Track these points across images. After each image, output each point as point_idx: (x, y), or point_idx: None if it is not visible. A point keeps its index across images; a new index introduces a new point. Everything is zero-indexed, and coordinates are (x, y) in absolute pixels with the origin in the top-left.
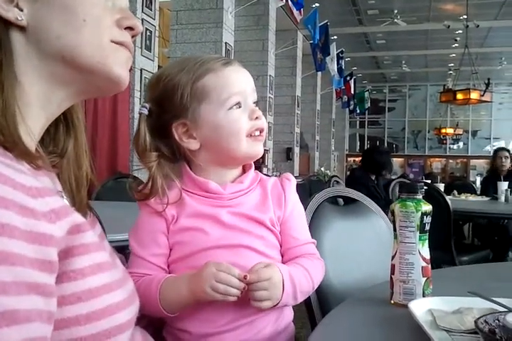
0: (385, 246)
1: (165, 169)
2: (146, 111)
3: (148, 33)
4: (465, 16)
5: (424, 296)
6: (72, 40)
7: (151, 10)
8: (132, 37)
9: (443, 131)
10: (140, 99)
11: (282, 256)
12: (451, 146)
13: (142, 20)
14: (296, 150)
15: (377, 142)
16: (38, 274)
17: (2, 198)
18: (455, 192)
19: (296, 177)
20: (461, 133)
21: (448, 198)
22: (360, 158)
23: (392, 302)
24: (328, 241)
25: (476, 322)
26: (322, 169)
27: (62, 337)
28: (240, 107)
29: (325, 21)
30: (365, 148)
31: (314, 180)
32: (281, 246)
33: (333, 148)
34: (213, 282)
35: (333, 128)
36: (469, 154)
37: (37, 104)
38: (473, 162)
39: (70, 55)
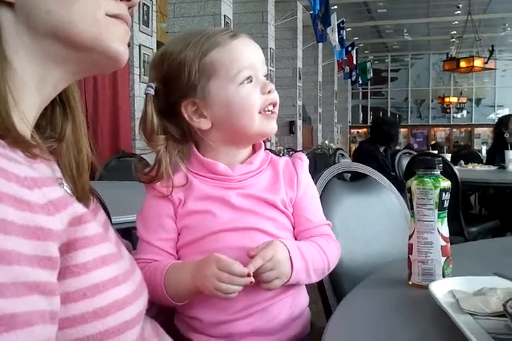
0: (396, 221)
1: (172, 152)
2: (152, 92)
3: (145, 8)
4: None
5: (444, 277)
6: (63, 15)
7: None
8: (129, 8)
9: (446, 99)
10: (140, 75)
11: (296, 239)
12: (455, 115)
13: None
14: (299, 123)
15: (381, 113)
16: (37, 272)
17: None
18: (462, 162)
19: (300, 151)
20: (464, 101)
21: (456, 168)
22: (364, 130)
23: (411, 283)
24: (338, 218)
25: (504, 305)
26: (326, 142)
27: (68, 336)
28: (251, 81)
29: None
30: (369, 119)
31: (319, 154)
32: (294, 229)
33: (335, 120)
34: (215, 282)
35: (336, 100)
36: (473, 122)
37: (31, 86)
38: (477, 130)
39: (63, 32)
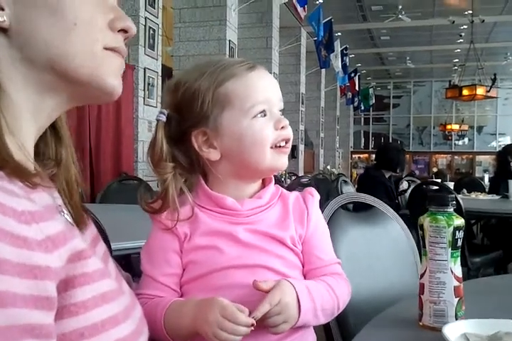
0: (402, 254)
1: (179, 182)
2: (164, 118)
3: (151, 32)
4: (470, 11)
5: (456, 319)
6: (61, 48)
7: (154, 8)
8: (125, 39)
9: (448, 127)
10: (144, 98)
11: (305, 277)
12: (457, 142)
13: (145, 18)
14: (301, 147)
15: (383, 138)
16: (33, 314)
17: None
18: (464, 190)
19: (301, 176)
20: (466, 129)
21: (459, 198)
22: (365, 155)
23: (421, 324)
24: (344, 250)
25: None
26: (328, 167)
27: None
28: (264, 115)
29: (329, 18)
30: (370, 144)
31: (320, 179)
32: (303, 266)
33: (337, 145)
34: (216, 329)
35: (338, 125)
36: (475, 150)
37: (27, 114)
38: (478, 158)
39: (60, 66)
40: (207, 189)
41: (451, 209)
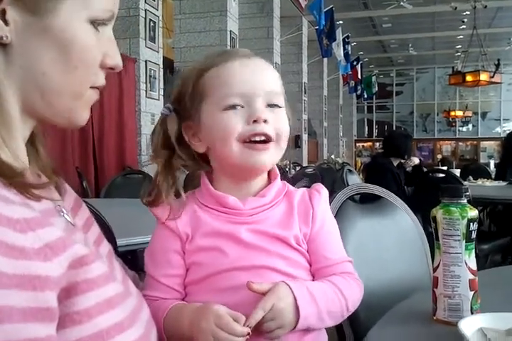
0: (412, 244)
1: (173, 173)
2: (166, 112)
3: (151, 24)
4: None
5: (472, 312)
6: (56, 83)
7: (153, 0)
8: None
9: (452, 113)
10: (146, 91)
11: (313, 277)
12: (461, 129)
13: (145, 10)
14: (305, 137)
15: (386, 126)
16: (32, 327)
17: None
18: (470, 177)
19: (306, 166)
20: (470, 115)
21: (466, 185)
22: (369, 143)
23: (435, 318)
24: (353, 242)
25: None
26: (332, 156)
27: None
28: (236, 108)
29: (330, 6)
30: (374, 132)
31: (325, 168)
32: (311, 266)
33: (341, 134)
34: (210, 338)
35: (341, 114)
36: (479, 136)
37: (19, 122)
38: (483, 144)
39: (49, 96)
40: (209, 187)
41: (464, 201)
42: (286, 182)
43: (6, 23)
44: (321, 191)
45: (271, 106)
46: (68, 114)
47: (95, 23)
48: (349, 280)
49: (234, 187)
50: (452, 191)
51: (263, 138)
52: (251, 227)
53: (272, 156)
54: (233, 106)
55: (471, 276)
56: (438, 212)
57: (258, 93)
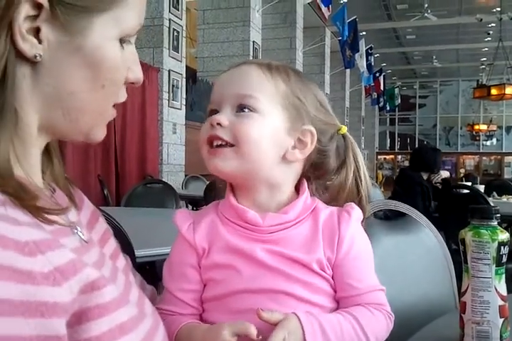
0: (436, 263)
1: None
2: None
3: (175, 34)
4: (498, 9)
5: None
6: (82, 102)
7: (178, 10)
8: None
9: (476, 127)
10: (168, 100)
11: (338, 304)
12: (485, 143)
13: (169, 20)
14: None
15: (408, 139)
16: None
17: None
18: (495, 193)
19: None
20: (494, 129)
21: (491, 201)
22: (391, 156)
23: None
24: (376, 260)
25: None
26: None
27: None
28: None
29: (353, 17)
30: (396, 145)
31: None
32: (335, 292)
33: (362, 146)
34: None
35: (363, 126)
36: (503, 151)
37: (33, 139)
38: (507, 159)
39: (72, 115)
40: (231, 199)
41: (495, 223)
42: (316, 198)
43: (39, 41)
44: (352, 212)
45: (239, 110)
46: (88, 131)
47: (122, 41)
48: (375, 313)
49: (251, 200)
50: (482, 212)
51: (220, 142)
52: (268, 247)
53: (230, 163)
54: (211, 113)
55: (501, 302)
56: (467, 234)
57: (226, 98)
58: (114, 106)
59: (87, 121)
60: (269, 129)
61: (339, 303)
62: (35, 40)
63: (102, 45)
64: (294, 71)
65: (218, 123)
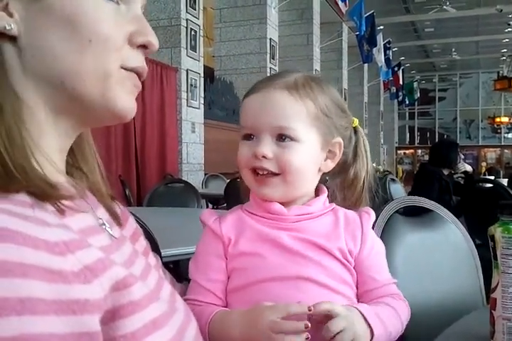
0: (463, 260)
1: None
2: None
3: (192, 33)
4: None
5: None
6: (73, 64)
7: (194, 9)
8: (146, 55)
9: (497, 119)
10: (187, 100)
11: (358, 297)
12: (506, 135)
13: (187, 20)
14: None
15: (428, 133)
16: None
17: (20, 264)
18: None
19: None
20: None
21: None
22: (411, 151)
23: None
24: (401, 257)
25: None
26: (374, 165)
27: None
28: (249, 140)
29: (371, 11)
30: (416, 139)
31: None
32: (357, 288)
33: (382, 141)
34: (272, 335)
35: (382, 121)
36: None
37: (48, 126)
38: None
39: (70, 83)
40: (256, 197)
41: None
42: (334, 203)
43: (10, 15)
44: (371, 213)
45: (279, 139)
46: (101, 100)
47: None
48: (399, 301)
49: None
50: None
51: (266, 172)
52: (294, 234)
53: (277, 190)
54: (246, 137)
55: None
56: (496, 230)
57: (263, 127)
58: (131, 71)
59: (90, 86)
60: (309, 154)
61: (361, 298)
62: (3, 13)
63: None
64: (313, 81)
65: (264, 156)
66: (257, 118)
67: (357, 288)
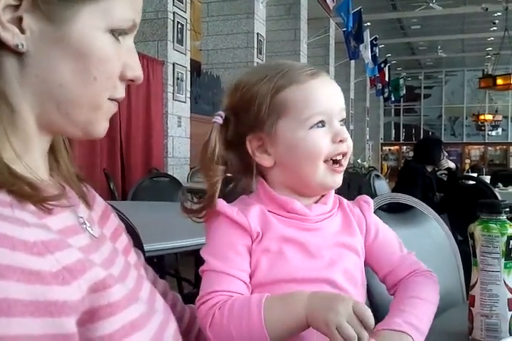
0: (445, 257)
1: (223, 185)
2: (220, 121)
3: (179, 26)
4: None
5: (510, 334)
6: (74, 96)
7: (182, 3)
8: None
9: (481, 117)
10: (173, 93)
11: (382, 281)
12: (490, 133)
13: (173, 13)
14: None
15: (413, 130)
16: None
17: None
18: (500, 184)
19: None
20: (500, 119)
21: (497, 192)
22: (396, 147)
23: (472, 338)
24: None
25: None
26: (359, 161)
27: None
28: (323, 126)
29: (358, 8)
30: (401, 136)
31: (351, 173)
32: (377, 273)
33: (367, 137)
34: (344, 322)
35: (368, 117)
36: (509, 140)
37: (35, 133)
38: None
39: (65, 109)
40: (272, 192)
41: (504, 217)
42: (337, 194)
43: (22, 31)
44: (369, 201)
45: (342, 121)
46: (85, 126)
47: (115, 33)
48: (430, 281)
49: (295, 198)
50: (491, 207)
51: (341, 156)
52: (318, 234)
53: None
54: (319, 124)
55: (510, 295)
56: (476, 229)
57: (336, 111)
58: (114, 100)
59: (83, 115)
60: None
61: (386, 281)
62: (16, 30)
63: (89, 35)
64: None
65: (342, 140)
66: (331, 103)
67: (377, 273)
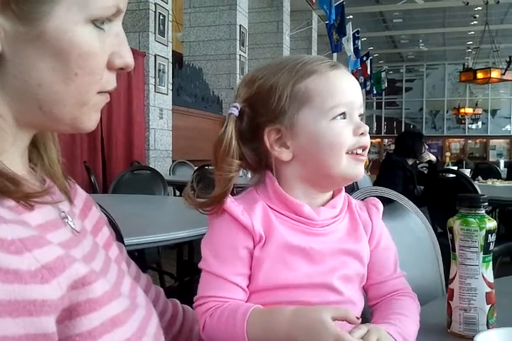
0: (424, 250)
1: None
2: (236, 112)
3: (161, 18)
4: None
5: (488, 326)
6: (55, 94)
7: None
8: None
9: (462, 110)
10: (155, 85)
11: (365, 290)
12: (470, 126)
13: (155, 4)
14: None
15: (395, 123)
16: None
17: None
18: (480, 177)
19: None
20: (480, 112)
21: (476, 185)
22: (378, 140)
23: (450, 331)
24: None
25: None
26: None
27: None
28: (344, 118)
29: (341, 0)
30: (383, 129)
31: None
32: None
33: None
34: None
35: None
36: (489, 134)
37: (13, 130)
38: (492, 142)
39: (48, 107)
40: (283, 193)
41: (483, 211)
42: (347, 193)
43: None
44: (379, 206)
45: (360, 116)
46: (73, 122)
47: (97, 22)
48: (414, 303)
49: (308, 196)
50: (470, 201)
51: (361, 150)
52: (323, 239)
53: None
54: (342, 116)
55: (488, 289)
56: (455, 223)
57: (358, 104)
58: (103, 93)
59: (67, 113)
60: None
61: (368, 291)
62: None
63: (66, 31)
64: None
65: (363, 133)
66: (353, 96)
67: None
